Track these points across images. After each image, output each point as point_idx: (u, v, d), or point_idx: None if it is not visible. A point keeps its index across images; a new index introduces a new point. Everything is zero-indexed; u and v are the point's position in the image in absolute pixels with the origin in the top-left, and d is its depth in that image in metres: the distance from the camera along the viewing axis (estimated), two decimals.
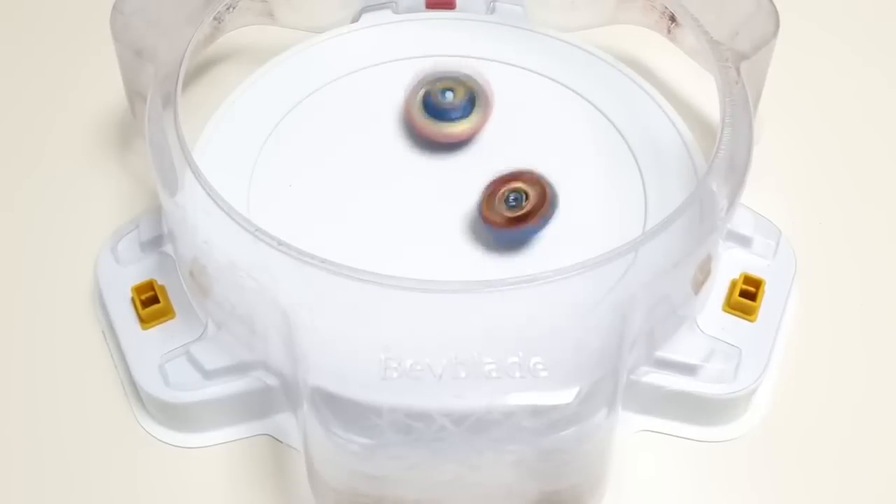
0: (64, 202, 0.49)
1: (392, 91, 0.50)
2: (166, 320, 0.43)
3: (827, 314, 0.46)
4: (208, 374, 0.42)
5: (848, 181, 0.51)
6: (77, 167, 0.50)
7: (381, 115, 0.49)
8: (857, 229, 0.49)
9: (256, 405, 0.42)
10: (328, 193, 0.46)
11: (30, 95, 0.54)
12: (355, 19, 0.53)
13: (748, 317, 0.44)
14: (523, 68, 0.51)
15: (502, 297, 0.38)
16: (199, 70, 0.52)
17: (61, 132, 0.52)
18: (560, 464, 0.38)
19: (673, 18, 0.50)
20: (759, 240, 0.46)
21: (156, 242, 0.45)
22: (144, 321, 0.43)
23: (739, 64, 0.45)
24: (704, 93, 0.48)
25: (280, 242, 0.39)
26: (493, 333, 0.38)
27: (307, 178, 0.46)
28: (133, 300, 0.44)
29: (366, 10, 0.53)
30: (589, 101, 0.49)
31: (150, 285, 0.44)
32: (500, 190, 0.44)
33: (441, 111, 0.47)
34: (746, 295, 0.44)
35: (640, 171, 0.47)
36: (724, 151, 0.42)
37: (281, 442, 0.43)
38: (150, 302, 0.43)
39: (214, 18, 0.49)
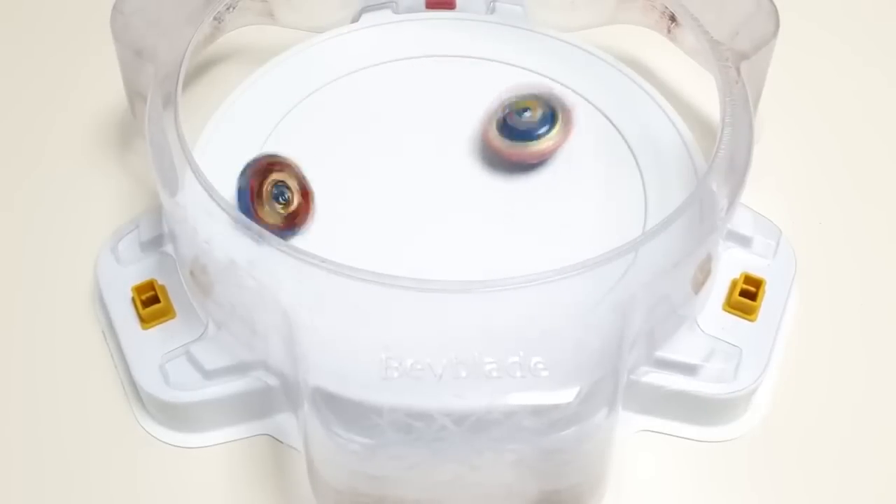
0: (64, 202, 0.49)
1: (392, 91, 0.50)
2: (166, 320, 0.43)
3: (827, 314, 0.46)
4: (208, 374, 0.42)
5: (848, 181, 0.51)
6: (77, 167, 0.50)
7: (381, 114, 0.49)
8: (857, 229, 0.49)
9: (256, 405, 0.42)
10: (328, 193, 0.46)
11: (30, 95, 0.54)
12: (355, 19, 0.53)
13: (748, 316, 0.44)
14: (523, 68, 0.51)
15: (502, 297, 0.38)
16: (199, 70, 0.52)
17: (61, 132, 0.52)
18: (560, 464, 0.38)
19: (673, 18, 0.50)
20: (759, 240, 0.46)
21: (156, 242, 0.45)
22: (145, 321, 0.43)
23: (739, 64, 0.45)
24: (704, 93, 0.49)
25: (280, 242, 0.39)
26: (493, 333, 0.38)
27: (307, 178, 0.46)
28: (133, 300, 0.44)
29: (366, 10, 0.53)
30: (589, 101, 0.49)
31: (150, 285, 0.44)
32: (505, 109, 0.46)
33: (520, 132, 0.46)
34: (746, 295, 0.44)
35: (640, 171, 0.47)
36: (724, 151, 0.42)
37: (281, 442, 0.43)
38: (151, 302, 0.43)
39: (214, 18, 0.49)
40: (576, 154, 0.48)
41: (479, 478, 0.38)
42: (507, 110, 0.46)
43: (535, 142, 0.46)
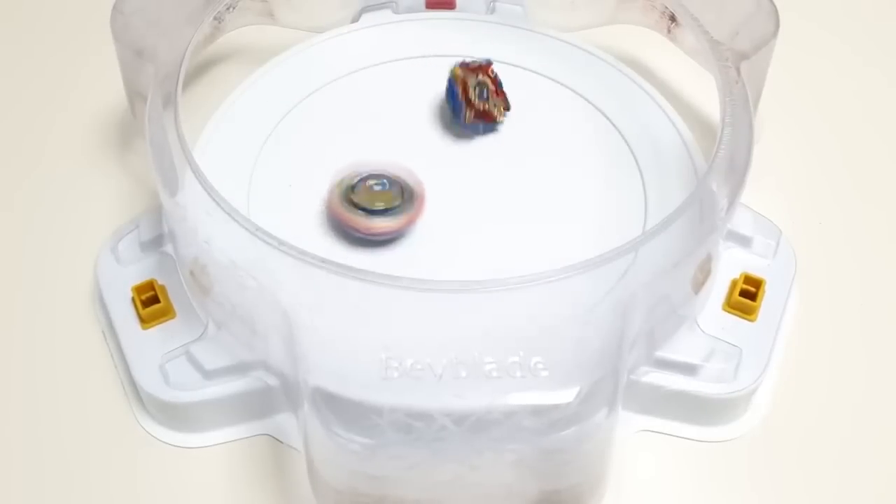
0: (64, 202, 0.49)
1: (392, 91, 0.50)
2: (166, 320, 0.43)
3: (827, 314, 0.46)
4: (208, 374, 0.42)
5: (848, 181, 0.51)
6: (77, 167, 0.50)
7: (380, 114, 0.49)
8: (857, 229, 0.49)
9: (256, 405, 0.42)
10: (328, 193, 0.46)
11: (30, 95, 0.54)
12: (355, 19, 0.53)
13: (748, 316, 0.44)
14: (523, 68, 0.51)
15: (502, 297, 0.38)
16: (199, 70, 0.52)
17: (61, 132, 0.52)
18: (560, 463, 0.38)
19: (673, 18, 0.50)
20: (759, 240, 0.46)
21: (156, 242, 0.45)
22: (145, 321, 0.43)
23: (739, 64, 0.45)
24: (704, 93, 0.49)
25: (280, 242, 0.39)
26: (493, 333, 0.38)
27: (307, 178, 0.46)
28: (133, 300, 0.44)
29: (366, 10, 0.53)
30: (589, 101, 0.49)
31: (150, 285, 0.44)
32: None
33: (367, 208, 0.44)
34: (746, 295, 0.44)
35: (640, 171, 0.47)
36: (724, 151, 0.42)
37: (281, 442, 0.43)
38: (151, 302, 0.43)
39: (214, 18, 0.49)
40: (576, 154, 0.48)
41: (479, 478, 0.38)
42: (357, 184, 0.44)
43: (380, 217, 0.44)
